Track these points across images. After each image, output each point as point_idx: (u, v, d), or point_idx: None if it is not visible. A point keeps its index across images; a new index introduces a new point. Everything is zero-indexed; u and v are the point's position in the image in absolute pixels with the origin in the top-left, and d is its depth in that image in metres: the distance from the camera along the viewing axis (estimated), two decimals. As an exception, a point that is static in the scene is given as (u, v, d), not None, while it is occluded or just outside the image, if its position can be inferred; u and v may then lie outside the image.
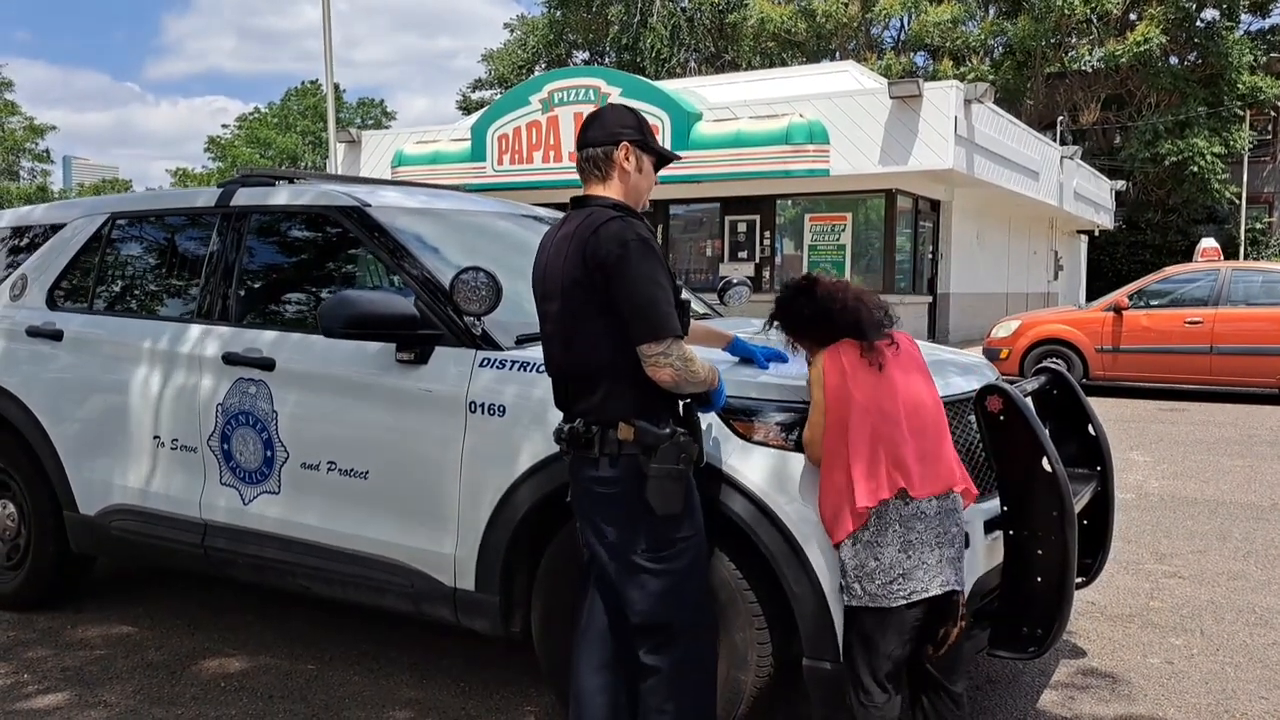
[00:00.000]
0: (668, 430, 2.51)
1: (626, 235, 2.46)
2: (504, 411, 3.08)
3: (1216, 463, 7.89)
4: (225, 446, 3.69)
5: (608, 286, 2.45)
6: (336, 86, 20.01)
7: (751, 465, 2.81)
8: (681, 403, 2.61)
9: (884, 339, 2.76)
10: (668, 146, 2.64)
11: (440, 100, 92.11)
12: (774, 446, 2.83)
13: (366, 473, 3.34)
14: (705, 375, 2.55)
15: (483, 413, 3.11)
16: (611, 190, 2.63)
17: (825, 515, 2.68)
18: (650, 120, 15.83)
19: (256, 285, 3.94)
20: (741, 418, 2.86)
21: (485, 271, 2.96)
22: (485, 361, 3.17)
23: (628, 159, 2.63)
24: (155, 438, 3.89)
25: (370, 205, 3.67)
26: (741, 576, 2.83)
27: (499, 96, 19.60)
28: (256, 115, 55.09)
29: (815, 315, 2.78)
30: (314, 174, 4.36)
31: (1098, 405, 10.70)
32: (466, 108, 40.65)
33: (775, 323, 2.88)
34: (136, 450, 3.93)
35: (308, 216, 3.84)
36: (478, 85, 42.44)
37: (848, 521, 2.64)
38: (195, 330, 3.88)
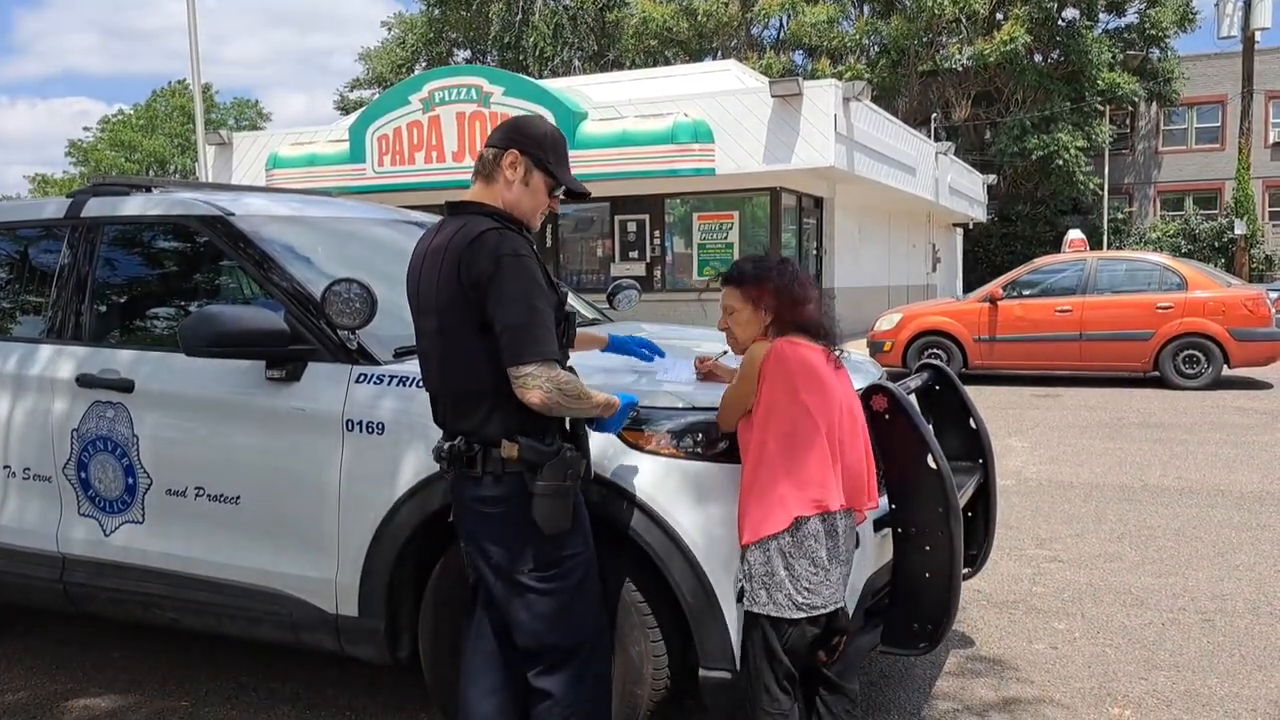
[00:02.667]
0: (553, 446, 2.43)
1: (501, 250, 2.36)
2: (383, 429, 2.96)
3: (1090, 446, 8.23)
4: (83, 475, 3.46)
5: (483, 303, 2.36)
6: (206, 86, 19.23)
7: (643, 475, 2.75)
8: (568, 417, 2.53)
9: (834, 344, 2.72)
10: (553, 130, 2.54)
11: (318, 100, 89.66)
12: (665, 455, 2.78)
13: (237, 498, 3.17)
14: (591, 402, 2.46)
15: (361, 430, 2.98)
16: (491, 196, 2.51)
17: (746, 512, 2.60)
18: (534, 120, 15.78)
19: (112, 302, 3.71)
20: (632, 427, 2.80)
21: (358, 283, 2.83)
22: (362, 377, 3.03)
23: (512, 167, 2.51)
24: (5, 467, 3.62)
25: (234, 214, 3.48)
26: (635, 589, 2.78)
27: (378, 96, 19.13)
28: (121, 117, 52.69)
29: (780, 294, 2.65)
30: (174, 181, 4.13)
31: (977, 393, 11.12)
32: (345, 108, 39.71)
33: (726, 282, 2.73)
34: (-16, 482, 3.65)
35: (166, 227, 3.63)
36: (356, 85, 41.52)
37: (766, 525, 2.56)
38: (46, 351, 3.62)
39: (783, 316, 2.67)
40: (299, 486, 3.06)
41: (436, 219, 2.91)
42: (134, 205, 3.68)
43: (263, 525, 3.15)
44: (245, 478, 3.16)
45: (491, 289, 2.34)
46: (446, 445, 2.47)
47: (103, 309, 3.67)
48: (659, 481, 2.74)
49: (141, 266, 3.77)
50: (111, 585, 3.44)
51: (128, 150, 49.63)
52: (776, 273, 2.70)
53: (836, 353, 2.73)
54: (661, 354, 3.19)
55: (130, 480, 3.36)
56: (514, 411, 2.41)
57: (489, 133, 2.64)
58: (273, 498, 3.12)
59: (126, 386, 3.38)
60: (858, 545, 2.80)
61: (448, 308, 2.41)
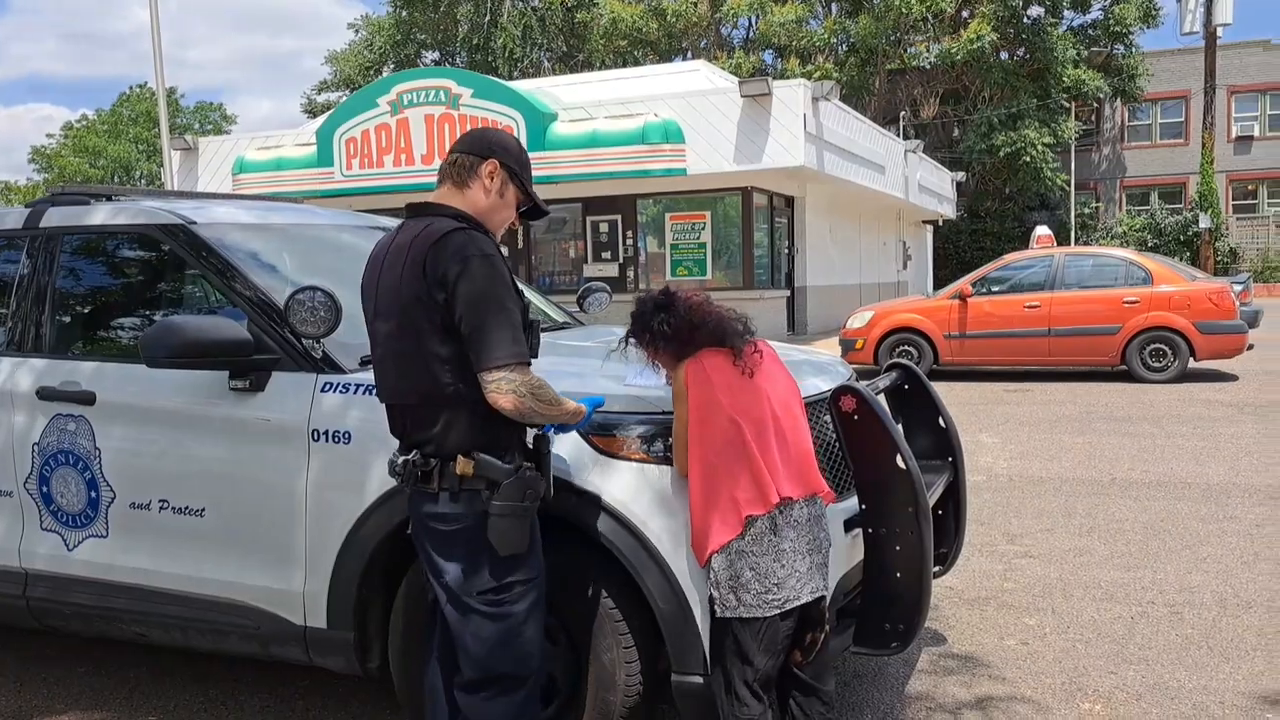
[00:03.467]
0: (512, 465, 2.37)
1: (469, 250, 2.30)
2: (349, 438, 2.93)
3: (1059, 440, 8.30)
4: (44, 489, 3.41)
5: (448, 305, 2.29)
6: (171, 90, 19.04)
7: (613, 481, 2.74)
8: (531, 434, 2.48)
9: (749, 345, 2.74)
10: (523, 146, 2.53)
11: (284, 103, 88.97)
12: (636, 460, 2.78)
13: (202, 510, 3.13)
14: (563, 409, 2.42)
15: (327, 440, 2.95)
16: (461, 201, 2.45)
17: (696, 529, 2.63)
18: (504, 121, 15.78)
19: (74, 313, 3.65)
20: (601, 433, 2.79)
21: (323, 290, 2.80)
22: (327, 386, 3.00)
23: (490, 177, 2.47)
24: (-36, 483, 3.55)
25: (196, 222, 3.43)
26: (607, 595, 2.77)
27: (345, 99, 18.99)
28: (85, 123, 52.03)
29: (679, 329, 2.70)
30: (136, 190, 4.07)
31: (948, 389, 11.22)
32: (312, 111, 39.49)
33: (632, 340, 2.78)
34: (-58, 498, 3.58)
35: (128, 236, 3.58)
36: (323, 87, 41.27)
37: (722, 532, 2.59)
38: (6, 364, 3.56)
39: (686, 347, 2.69)
40: (265, 498, 3.03)
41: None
42: (94, 215, 3.62)
43: (229, 537, 3.11)
44: (210, 490, 3.12)
45: (459, 289, 2.27)
46: (401, 459, 2.39)
47: (64, 320, 3.61)
48: (630, 488, 2.74)
49: (103, 277, 3.71)
50: (76, 600, 3.38)
51: (92, 156, 49.03)
52: (657, 321, 2.71)
53: (751, 343, 2.73)
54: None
55: (93, 494, 3.31)
56: (474, 424, 2.35)
57: (458, 136, 2.61)
58: (239, 509, 3.09)
59: (88, 399, 3.33)
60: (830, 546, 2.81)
61: (408, 309, 2.32)
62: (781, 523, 2.61)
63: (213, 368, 3.05)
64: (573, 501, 2.72)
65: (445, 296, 2.29)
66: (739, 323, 2.75)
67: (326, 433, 2.95)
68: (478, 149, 2.50)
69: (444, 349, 2.32)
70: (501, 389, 2.30)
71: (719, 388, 2.62)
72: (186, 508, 3.15)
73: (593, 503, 2.73)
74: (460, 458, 2.34)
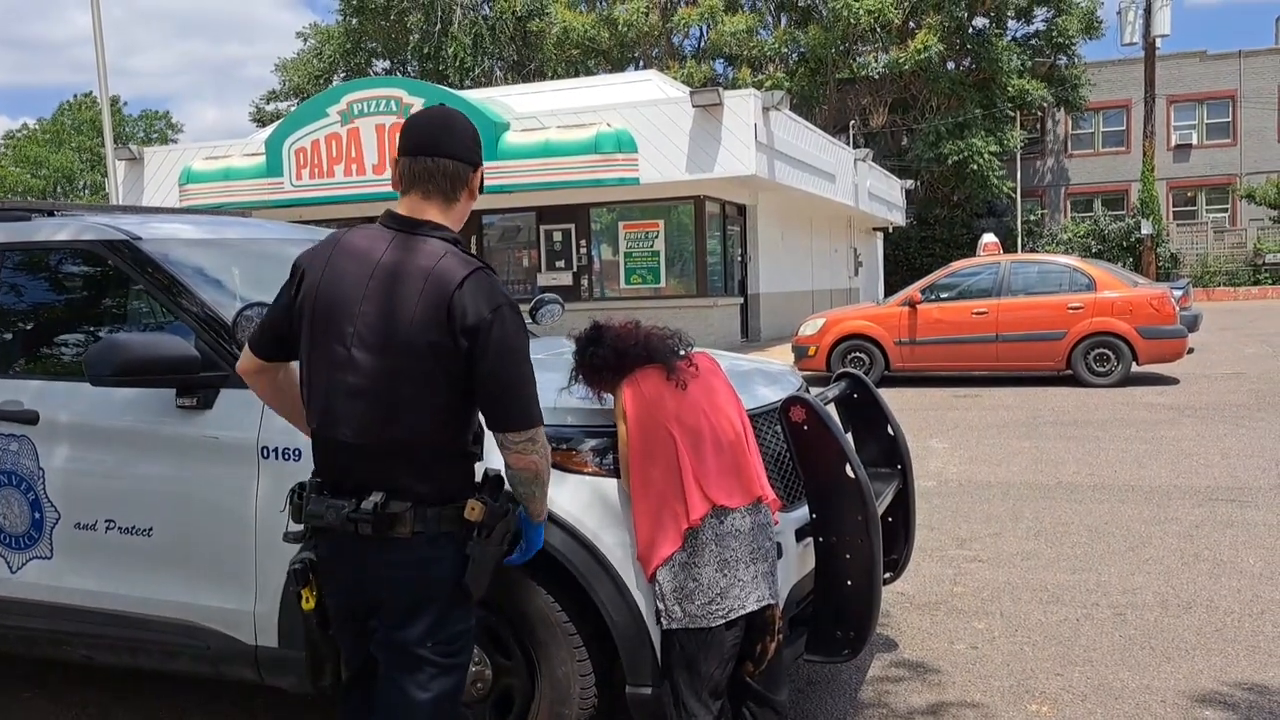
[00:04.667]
0: (502, 505, 2.27)
1: (499, 297, 2.14)
2: (299, 455, 2.91)
3: (1007, 445, 8.45)
4: (-15, 511, 3.33)
5: (470, 354, 2.13)
6: (115, 99, 18.71)
7: (565, 494, 2.76)
8: (480, 470, 2.35)
9: (682, 360, 2.79)
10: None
11: (232, 112, 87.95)
12: (588, 473, 2.80)
13: (150, 530, 3.09)
14: (547, 492, 2.35)
15: (276, 457, 2.93)
16: (450, 219, 2.25)
17: (641, 544, 2.67)
18: (456, 131, 15.67)
19: (15, 331, 3.58)
20: (554, 445, 2.80)
21: (264, 306, 2.78)
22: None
23: (479, 187, 2.30)
24: (-99, 505, 3.46)
25: (141, 238, 3.39)
26: (560, 609, 2.78)
27: (294, 108, 18.81)
28: (26, 132, 50.92)
29: (608, 357, 2.79)
30: (78, 205, 4.01)
31: (899, 395, 11.37)
32: (261, 120, 39.02)
33: (579, 376, 2.85)
34: (-122, 521, 3.49)
35: (71, 252, 3.52)
36: (272, 97, 40.81)
37: (665, 545, 2.65)
38: (-56, 383, 3.48)
39: (620, 372, 2.77)
40: (214, 517, 3.00)
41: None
42: (36, 230, 3.56)
43: (177, 557, 3.07)
44: (158, 509, 3.08)
45: (490, 341, 2.12)
46: (363, 504, 2.16)
47: (5, 338, 3.55)
48: (582, 501, 2.76)
49: (46, 293, 3.65)
50: (20, 624, 3.32)
51: (33, 166, 48.01)
52: (589, 355, 2.81)
53: (684, 358, 2.81)
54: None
55: (37, 515, 3.25)
56: (466, 470, 2.28)
57: (418, 131, 2.28)
58: (187, 529, 3.05)
59: (31, 418, 3.27)
60: (781, 555, 2.85)
61: (420, 354, 2.13)
62: (722, 531, 2.66)
63: (159, 385, 3.02)
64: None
65: (470, 346, 2.13)
66: (669, 340, 2.84)
67: (276, 450, 2.93)
68: (463, 153, 2.25)
69: (450, 396, 2.18)
70: (526, 450, 2.22)
71: (653, 402, 2.69)
72: (134, 528, 3.11)
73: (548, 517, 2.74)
74: (471, 502, 2.22)
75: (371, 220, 2.37)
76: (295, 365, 2.37)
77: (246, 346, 2.42)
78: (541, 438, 2.25)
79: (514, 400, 2.20)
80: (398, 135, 2.33)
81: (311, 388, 2.25)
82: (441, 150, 2.24)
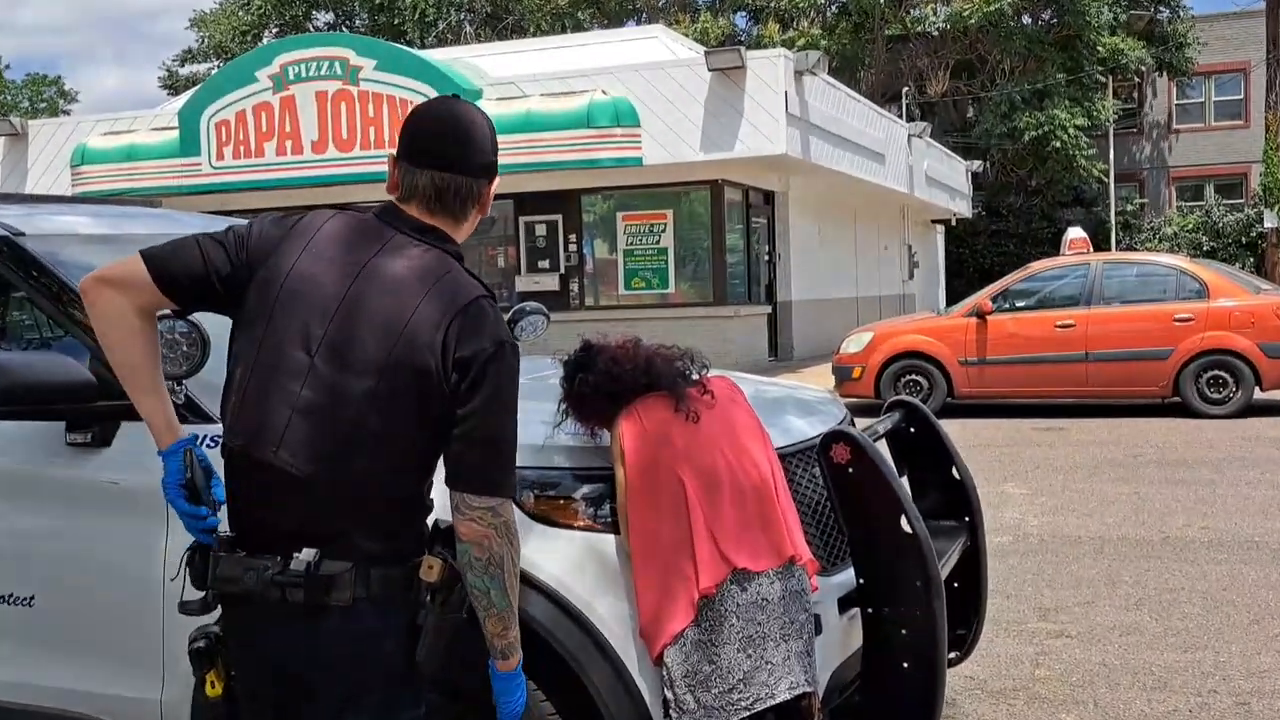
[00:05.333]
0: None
1: (501, 332, 2.19)
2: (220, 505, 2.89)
3: (1100, 490, 8.44)
4: None
5: (457, 390, 2.15)
6: (-7, 62, 18.84)
7: (551, 554, 2.74)
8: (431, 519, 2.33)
9: (694, 385, 2.79)
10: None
11: (138, 76, 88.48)
12: (579, 528, 2.79)
13: (30, 599, 3.06)
14: (516, 571, 2.26)
15: (191, 508, 2.91)
16: (460, 233, 2.32)
17: (644, 617, 2.65)
18: (415, 100, 15.73)
19: None
20: (537, 492, 2.79)
21: (185, 319, 2.77)
22: (192, 440, 2.96)
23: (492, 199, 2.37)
24: None
25: (24, 234, 3.38)
26: (544, 698, 2.75)
27: (216, 71, 18.91)
28: (-116, 100, 51.21)
29: (600, 384, 2.78)
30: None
31: (964, 428, 11.35)
32: (173, 86, 39.24)
33: (568, 410, 2.85)
34: None
35: (-64, 251, 3.52)
36: (188, 57, 41.09)
37: (674, 619, 2.63)
38: None
39: (615, 402, 2.77)
40: (112, 582, 2.98)
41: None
42: (-107, 224, 3.56)
43: (65, 633, 3.05)
44: (40, 572, 3.06)
45: (485, 380, 2.14)
46: (292, 563, 2.13)
47: None
48: (572, 562, 2.74)
49: (-98, 302, 3.65)
50: None
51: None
52: (577, 383, 2.82)
53: (696, 383, 2.81)
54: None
55: (-110, 578, 3.23)
56: (423, 522, 2.26)
57: (425, 126, 2.30)
58: (79, 598, 3.03)
59: (-116, 458, 3.26)
60: (819, 631, 2.83)
61: (401, 374, 2.14)
62: (745, 601, 2.64)
63: (46, 417, 3.01)
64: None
65: (458, 380, 2.15)
66: (677, 361, 2.84)
67: (191, 498, 2.91)
68: (487, 169, 2.31)
69: (421, 434, 2.19)
70: (483, 520, 2.17)
71: (656, 439, 2.68)
72: (11, 596, 3.08)
73: (525, 581, 2.72)
74: (428, 559, 2.20)
75: (307, 209, 2.39)
76: (161, 323, 2.41)
77: (138, 259, 2.28)
78: (507, 514, 2.20)
79: (490, 457, 2.18)
80: (399, 134, 2.34)
81: (244, 391, 2.22)
82: (456, 166, 2.27)
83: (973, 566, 3.77)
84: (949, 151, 27.80)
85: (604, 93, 15.60)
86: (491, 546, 2.18)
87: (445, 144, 2.27)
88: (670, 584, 2.63)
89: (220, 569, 2.21)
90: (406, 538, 2.25)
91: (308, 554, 2.14)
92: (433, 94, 15.32)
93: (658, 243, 17.44)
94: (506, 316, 4.51)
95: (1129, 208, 35.64)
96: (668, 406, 2.74)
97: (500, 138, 2.41)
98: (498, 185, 2.37)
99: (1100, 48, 31.23)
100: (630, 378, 2.77)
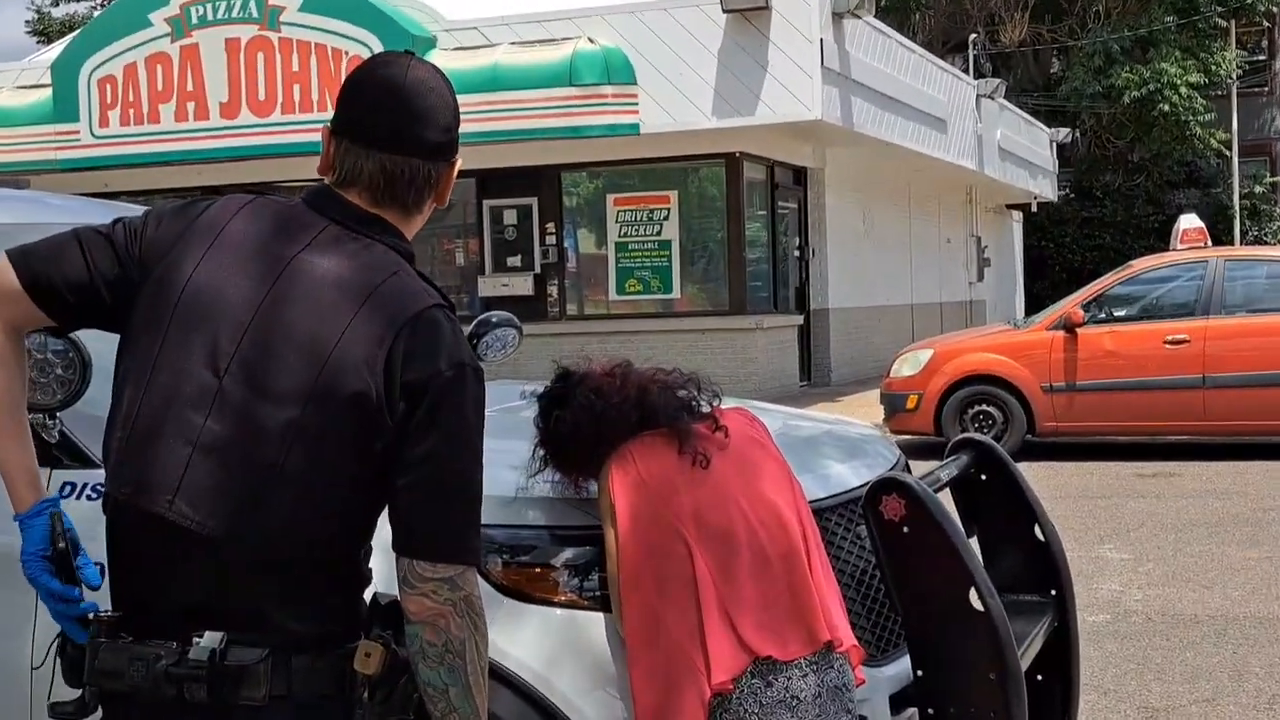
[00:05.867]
0: (405, 652, 2.20)
1: (461, 352, 2.18)
2: (104, 570, 2.90)
3: (1222, 555, 8.42)
4: None
5: (406, 422, 2.13)
6: None
7: (524, 637, 2.76)
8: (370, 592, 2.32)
9: (703, 421, 2.79)
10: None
11: (1, 21, 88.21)
12: (559, 604, 2.81)
13: None
14: (483, 661, 2.23)
15: (66, 575, 2.92)
16: (410, 227, 2.32)
17: (642, 716, 2.66)
18: (352, 49, 15.84)
19: None
20: (507, 558, 2.82)
21: (59, 336, 2.79)
22: (69, 488, 2.98)
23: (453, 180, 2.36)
24: None
25: None
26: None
27: (98, 15, 18.95)
28: None
29: (580, 420, 2.79)
30: None
31: (1050, 473, 11.32)
32: (45, 33, 39.28)
33: (543, 456, 2.87)
34: None
35: None
36: (62, -3, 41.17)
37: (685, 714, 2.62)
38: None
39: (599, 444, 2.78)
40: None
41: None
42: None
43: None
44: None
45: (440, 412, 2.13)
46: (191, 651, 2.10)
47: None
48: (550, 648, 2.76)
49: None
50: None
51: None
52: (554, 420, 2.86)
53: (706, 416, 2.83)
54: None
55: None
56: (358, 597, 2.24)
57: (369, 90, 2.29)
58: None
59: None
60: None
61: (334, 401, 2.12)
62: (771, 699, 2.64)
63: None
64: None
65: (408, 411, 2.13)
66: (679, 390, 2.85)
67: (66, 564, 2.92)
68: (446, 147, 2.32)
69: (361, 481, 2.16)
70: (437, 594, 2.13)
71: (655, 491, 2.69)
72: None
73: (490, 673, 2.73)
74: (364, 645, 2.16)
75: (219, 195, 2.37)
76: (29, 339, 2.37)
77: (4, 262, 2.24)
78: (469, 587, 2.16)
79: (447, 513, 2.16)
80: (336, 102, 2.32)
81: (132, 423, 2.18)
82: (408, 147, 2.26)
83: (1061, 654, 3.77)
84: (1028, 117, 27.88)
85: (591, 40, 15.63)
86: (449, 629, 2.14)
87: (396, 118, 2.25)
88: (675, 678, 2.63)
89: (100, 660, 2.16)
90: (338, 616, 2.21)
91: (211, 638, 2.11)
92: (374, 42, 15.55)
93: (659, 234, 17.42)
94: (468, 330, 4.54)
95: (1257, 189, 35.62)
96: (670, 448, 2.74)
97: (460, 99, 2.41)
98: (459, 164, 2.38)
99: (1221, -15, 31.39)
100: (618, 413, 2.78)
